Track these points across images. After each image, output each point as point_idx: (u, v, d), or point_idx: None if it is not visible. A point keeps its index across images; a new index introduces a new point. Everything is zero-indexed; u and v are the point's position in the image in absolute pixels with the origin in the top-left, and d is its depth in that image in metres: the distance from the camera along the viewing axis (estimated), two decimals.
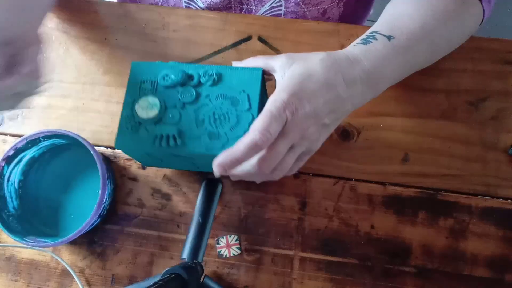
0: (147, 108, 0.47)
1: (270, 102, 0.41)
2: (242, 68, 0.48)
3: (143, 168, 0.57)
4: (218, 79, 0.48)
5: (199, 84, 0.48)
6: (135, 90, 0.49)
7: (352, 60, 0.45)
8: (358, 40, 0.50)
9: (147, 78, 0.49)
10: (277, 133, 0.41)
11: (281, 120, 0.41)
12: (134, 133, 0.47)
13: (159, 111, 0.47)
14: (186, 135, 0.47)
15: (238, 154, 0.40)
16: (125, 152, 0.50)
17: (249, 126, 0.45)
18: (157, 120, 0.47)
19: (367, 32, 0.50)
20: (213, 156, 0.42)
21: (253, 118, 0.46)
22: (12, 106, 0.47)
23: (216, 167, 0.41)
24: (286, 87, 0.42)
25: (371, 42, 0.48)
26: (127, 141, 0.47)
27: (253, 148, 0.40)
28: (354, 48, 0.48)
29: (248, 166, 0.43)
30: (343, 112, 0.45)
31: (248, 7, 0.64)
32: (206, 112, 0.47)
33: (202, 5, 0.64)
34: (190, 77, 0.48)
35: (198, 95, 0.47)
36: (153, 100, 0.48)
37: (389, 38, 0.48)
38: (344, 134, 0.56)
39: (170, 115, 0.47)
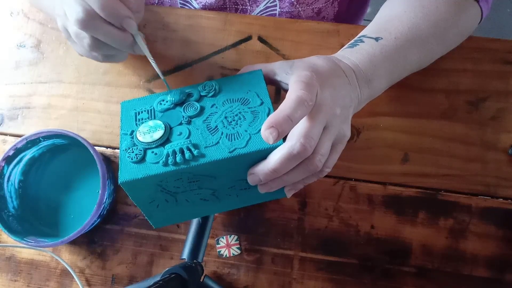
0: (150, 131, 0.42)
1: (297, 77, 0.40)
2: (241, 74, 0.47)
3: None
4: (219, 89, 0.45)
5: (201, 97, 0.45)
6: (131, 123, 0.44)
7: (340, 58, 0.47)
8: (345, 46, 0.51)
9: (142, 108, 0.45)
10: (316, 92, 0.40)
11: (314, 89, 0.40)
12: (141, 161, 0.40)
13: (164, 131, 0.42)
14: (202, 145, 0.40)
15: (288, 114, 0.37)
16: (131, 193, 0.41)
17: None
18: (164, 140, 0.41)
19: (355, 38, 0.51)
20: (239, 159, 0.39)
21: (270, 111, 0.42)
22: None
23: (261, 174, 0.40)
24: (302, 70, 0.42)
25: (358, 45, 0.49)
26: (133, 172, 0.39)
27: (300, 104, 0.38)
28: (341, 51, 0.50)
29: (290, 150, 0.38)
30: (350, 100, 0.45)
31: (243, 7, 0.64)
32: (217, 119, 0.42)
33: (197, 6, 0.64)
34: (189, 95, 0.45)
35: (202, 108, 0.44)
36: (155, 123, 0.42)
37: (376, 39, 0.49)
38: None
39: (178, 133, 0.42)
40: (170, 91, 0.46)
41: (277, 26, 0.59)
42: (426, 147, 0.55)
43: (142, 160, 0.40)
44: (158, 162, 0.40)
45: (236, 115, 0.42)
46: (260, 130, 0.40)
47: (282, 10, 0.64)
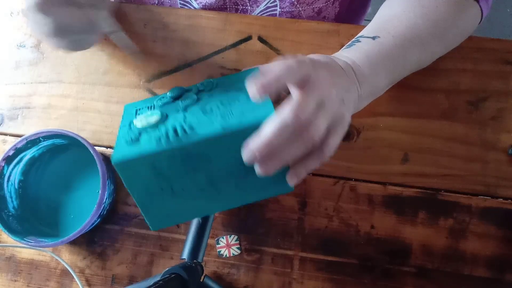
0: (146, 118, 0.43)
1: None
2: (240, 72, 0.48)
3: None
4: (217, 84, 0.46)
5: (199, 92, 0.46)
6: (131, 118, 0.45)
7: (337, 56, 0.48)
8: (343, 47, 0.51)
9: (142, 106, 0.47)
10: (309, 68, 0.39)
11: (305, 65, 0.39)
12: (134, 142, 0.41)
13: (161, 117, 0.43)
14: (195, 124, 0.41)
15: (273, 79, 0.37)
16: (125, 176, 0.41)
17: None
18: (159, 123, 0.42)
19: (352, 39, 0.52)
20: (233, 137, 0.39)
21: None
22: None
23: (253, 146, 0.38)
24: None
25: (355, 44, 0.49)
26: (127, 152, 0.40)
27: (288, 68, 0.37)
28: (339, 52, 0.50)
29: (284, 124, 0.38)
30: (347, 89, 0.45)
31: (243, 7, 0.64)
32: (212, 104, 0.43)
33: (197, 6, 0.64)
34: (188, 90, 0.46)
35: (199, 98, 0.45)
36: (152, 112, 0.44)
37: (373, 38, 0.49)
38: None
39: (173, 117, 0.43)
40: (170, 89, 0.46)
41: (277, 26, 0.59)
42: (426, 147, 0.55)
43: (136, 141, 0.41)
44: (151, 141, 0.40)
45: (232, 100, 0.43)
46: (253, 108, 0.40)
47: (282, 10, 0.64)
